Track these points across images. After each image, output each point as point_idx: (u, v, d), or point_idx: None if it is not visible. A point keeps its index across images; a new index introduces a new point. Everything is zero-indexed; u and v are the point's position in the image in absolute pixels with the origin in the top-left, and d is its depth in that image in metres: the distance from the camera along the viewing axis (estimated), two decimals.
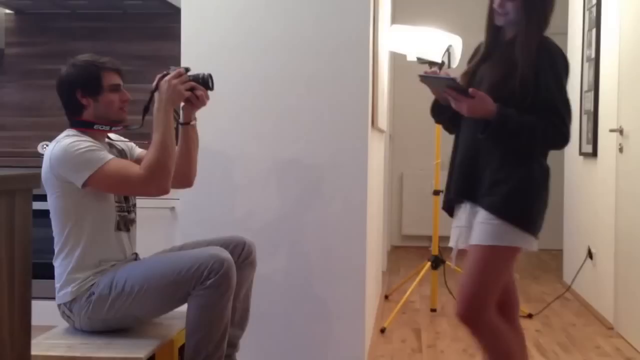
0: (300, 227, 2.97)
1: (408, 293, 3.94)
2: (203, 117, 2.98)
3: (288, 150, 2.96)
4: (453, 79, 2.12)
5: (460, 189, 2.21)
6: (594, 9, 4.28)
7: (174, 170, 2.23)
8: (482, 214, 2.12)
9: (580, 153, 4.52)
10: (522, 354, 2.29)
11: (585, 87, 4.46)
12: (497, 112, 2.05)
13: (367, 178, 2.96)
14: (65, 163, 2.15)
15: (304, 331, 2.99)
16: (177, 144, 2.31)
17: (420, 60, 4.01)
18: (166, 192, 2.23)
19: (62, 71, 2.29)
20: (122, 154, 2.40)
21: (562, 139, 2.08)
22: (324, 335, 2.97)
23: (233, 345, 2.47)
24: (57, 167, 2.16)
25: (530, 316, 3.95)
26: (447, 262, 4.13)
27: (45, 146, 3.58)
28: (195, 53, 2.97)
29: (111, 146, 2.37)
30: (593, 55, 4.26)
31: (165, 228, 3.11)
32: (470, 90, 2.07)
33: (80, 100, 2.26)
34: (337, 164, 2.94)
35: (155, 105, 2.24)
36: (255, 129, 2.97)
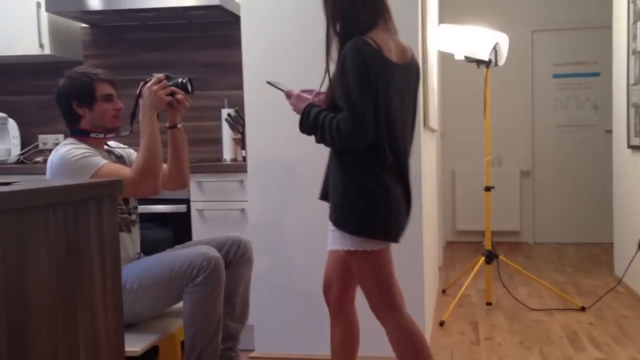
0: None
1: (464, 287, 3.91)
2: (267, 122, 3.03)
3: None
4: (282, 86, 2.21)
5: (322, 191, 2.19)
6: (638, 2, 4.15)
7: (161, 171, 2.30)
8: None
9: (629, 146, 4.39)
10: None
11: (631, 81, 4.33)
12: (303, 109, 2.08)
13: (421, 176, 2.96)
14: (63, 169, 2.23)
15: (365, 324, 3.00)
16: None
17: (468, 59, 3.97)
18: (157, 191, 2.31)
19: (60, 83, 2.37)
20: (120, 159, 2.48)
21: (349, 134, 1.92)
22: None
23: (234, 339, 2.54)
24: (57, 174, 2.25)
25: (583, 309, 3.87)
26: (501, 257, 4.08)
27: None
28: (255, 58, 3.03)
29: (110, 153, 2.45)
30: (639, 48, 4.13)
31: (236, 228, 3.16)
32: (286, 91, 2.16)
33: (77, 110, 2.34)
34: None
35: (140, 111, 2.31)
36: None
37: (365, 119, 1.93)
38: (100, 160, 2.25)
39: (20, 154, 3.83)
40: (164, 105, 2.34)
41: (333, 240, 2.09)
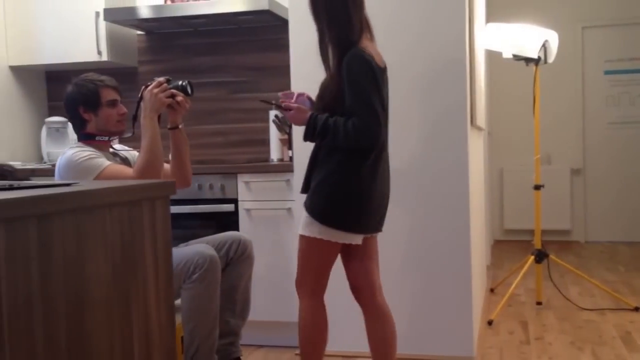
0: (407, 224, 2.97)
1: (513, 286, 3.83)
2: None
3: (393, 153, 2.96)
4: (275, 101, 2.36)
5: (303, 186, 2.31)
6: None
7: (162, 170, 2.36)
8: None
9: None
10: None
11: None
12: (308, 118, 2.19)
13: (468, 174, 2.92)
14: (70, 171, 2.30)
15: (414, 323, 2.98)
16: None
17: (517, 57, 3.89)
18: None
19: (67, 90, 2.44)
20: (125, 161, 2.53)
21: (364, 138, 2.10)
22: (433, 327, 2.95)
23: (235, 334, 2.61)
24: (65, 176, 2.31)
25: (636, 309, 3.74)
26: (551, 256, 3.98)
27: None
28: (302, 60, 3.04)
29: (115, 155, 2.51)
30: None
31: (283, 227, 3.19)
32: (284, 104, 2.26)
33: (83, 115, 2.41)
34: (438, 162, 2.91)
35: (142, 114, 2.36)
36: None
37: (381, 121, 2.11)
38: (104, 162, 2.32)
39: None
40: (164, 107, 2.39)
41: (303, 225, 2.24)
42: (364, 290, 2.34)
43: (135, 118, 2.42)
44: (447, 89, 2.90)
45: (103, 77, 2.45)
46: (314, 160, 2.27)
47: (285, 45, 3.31)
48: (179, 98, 2.41)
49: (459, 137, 2.89)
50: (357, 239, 2.23)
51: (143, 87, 2.41)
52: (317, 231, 2.19)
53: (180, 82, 2.44)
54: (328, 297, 2.33)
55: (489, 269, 5.02)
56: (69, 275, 1.30)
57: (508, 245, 6.19)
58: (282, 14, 3.47)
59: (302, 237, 2.24)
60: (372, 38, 2.25)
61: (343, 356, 3.07)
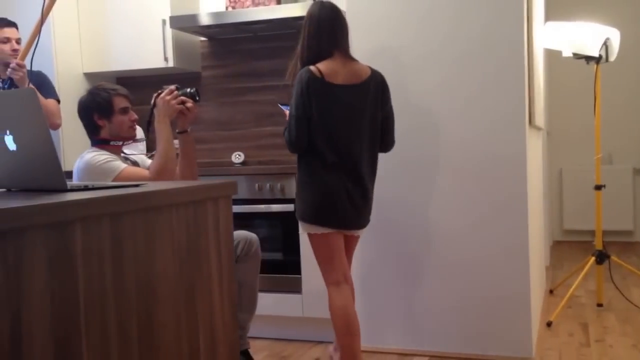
0: (465, 224, 2.93)
1: (573, 287, 3.72)
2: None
3: (452, 153, 2.93)
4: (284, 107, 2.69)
5: None
6: None
7: (175, 171, 2.46)
8: None
9: None
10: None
11: None
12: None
13: (527, 174, 2.86)
14: (88, 174, 2.38)
15: (473, 323, 2.94)
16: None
17: (577, 56, 3.77)
18: None
19: (82, 98, 2.55)
20: (136, 164, 2.62)
21: (286, 142, 2.46)
22: (492, 327, 2.91)
23: (242, 328, 2.70)
24: (84, 178, 2.39)
25: None
26: (613, 257, 3.85)
27: (238, 156, 3.85)
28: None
29: (126, 159, 2.60)
30: None
31: None
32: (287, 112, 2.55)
33: (97, 121, 2.51)
34: (497, 162, 2.87)
35: (155, 119, 2.47)
36: (419, 134, 2.98)
37: (295, 128, 2.41)
38: (121, 165, 2.42)
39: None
40: (176, 112, 2.50)
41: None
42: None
43: (149, 123, 2.53)
44: (505, 89, 2.84)
45: (116, 86, 2.58)
46: None
47: None
48: (189, 104, 2.52)
49: (518, 136, 2.83)
50: (326, 230, 2.47)
51: (155, 95, 2.51)
52: (302, 228, 2.53)
53: (188, 90, 2.55)
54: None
55: (548, 270, 4.89)
56: (139, 270, 1.35)
57: (568, 246, 6.01)
58: None
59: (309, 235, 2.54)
60: (344, 56, 2.49)
61: (399, 354, 3.06)
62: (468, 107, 2.91)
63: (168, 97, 2.48)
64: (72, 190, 1.43)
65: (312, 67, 2.43)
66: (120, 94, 2.55)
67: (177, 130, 2.57)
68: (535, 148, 3.53)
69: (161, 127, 2.46)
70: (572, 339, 3.24)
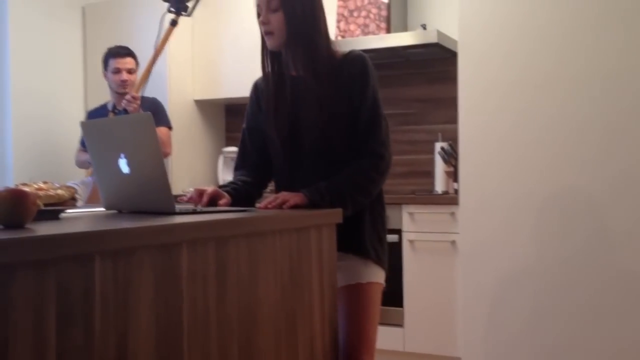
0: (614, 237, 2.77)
1: None
2: (482, 155, 2.96)
3: (565, 188, 2.79)
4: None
5: None
6: None
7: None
8: None
9: None
10: None
11: None
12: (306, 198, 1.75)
13: None
14: None
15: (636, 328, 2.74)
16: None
17: None
18: None
19: None
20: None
21: (388, 165, 1.93)
22: None
23: None
24: None
25: None
26: None
27: None
28: (471, 93, 2.98)
29: None
30: None
31: (446, 259, 3.13)
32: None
33: None
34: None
35: None
36: (536, 163, 2.86)
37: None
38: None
39: None
40: None
41: None
42: None
43: None
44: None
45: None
46: None
47: (452, 78, 3.28)
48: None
49: None
50: None
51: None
52: (378, 277, 2.00)
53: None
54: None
55: None
56: (241, 295, 1.37)
57: None
58: (451, 46, 3.45)
59: None
60: None
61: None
62: (587, 136, 2.76)
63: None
64: (180, 213, 1.49)
65: None
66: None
67: None
68: None
69: None
70: None
